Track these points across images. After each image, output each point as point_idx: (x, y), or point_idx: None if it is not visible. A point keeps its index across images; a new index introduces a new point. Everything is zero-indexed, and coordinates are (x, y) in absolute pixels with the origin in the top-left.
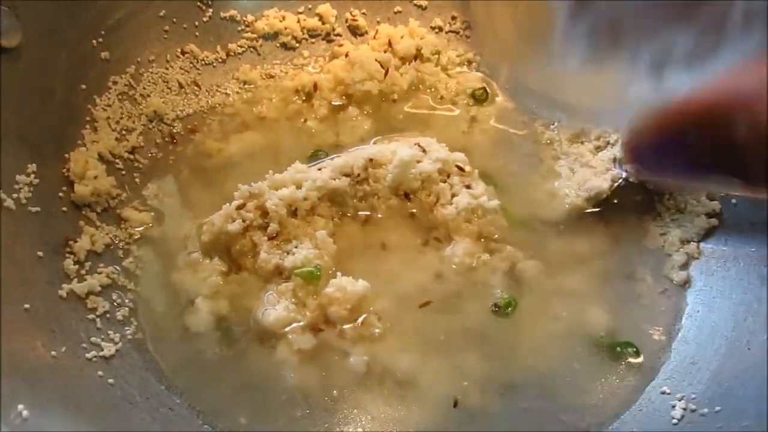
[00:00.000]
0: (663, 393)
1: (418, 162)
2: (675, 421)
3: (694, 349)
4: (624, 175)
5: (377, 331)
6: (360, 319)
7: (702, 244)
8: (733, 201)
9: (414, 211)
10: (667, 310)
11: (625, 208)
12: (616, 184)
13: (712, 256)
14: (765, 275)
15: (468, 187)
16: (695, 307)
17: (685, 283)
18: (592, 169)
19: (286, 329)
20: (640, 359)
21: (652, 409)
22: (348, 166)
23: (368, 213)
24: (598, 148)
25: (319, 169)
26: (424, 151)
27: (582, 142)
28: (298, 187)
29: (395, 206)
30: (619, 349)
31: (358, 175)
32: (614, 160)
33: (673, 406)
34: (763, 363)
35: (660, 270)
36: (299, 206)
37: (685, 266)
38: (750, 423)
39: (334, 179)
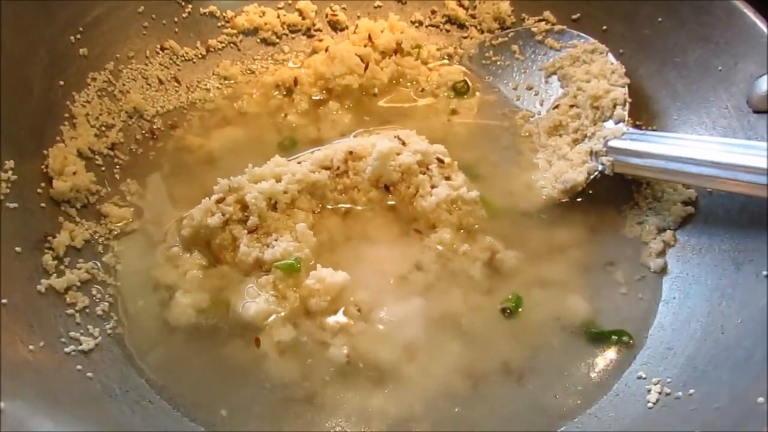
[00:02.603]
0: (639, 378)
1: (398, 154)
2: (650, 404)
3: (670, 334)
4: (600, 168)
5: (357, 322)
6: (340, 311)
7: (678, 232)
8: (708, 189)
9: (394, 203)
10: (644, 297)
11: (602, 198)
12: (591, 177)
13: (688, 243)
14: (739, 261)
15: (447, 178)
16: (671, 293)
17: (662, 271)
18: (569, 162)
19: (267, 321)
20: (632, 343)
21: (629, 393)
22: (328, 159)
23: (348, 205)
24: (576, 141)
25: (299, 163)
26: (403, 143)
27: (560, 135)
28: (278, 180)
29: (375, 198)
30: (615, 337)
31: (338, 168)
32: (591, 153)
33: (649, 390)
34: (737, 346)
35: (637, 258)
36: (279, 199)
37: (661, 254)
38: (722, 405)
39: (314, 172)
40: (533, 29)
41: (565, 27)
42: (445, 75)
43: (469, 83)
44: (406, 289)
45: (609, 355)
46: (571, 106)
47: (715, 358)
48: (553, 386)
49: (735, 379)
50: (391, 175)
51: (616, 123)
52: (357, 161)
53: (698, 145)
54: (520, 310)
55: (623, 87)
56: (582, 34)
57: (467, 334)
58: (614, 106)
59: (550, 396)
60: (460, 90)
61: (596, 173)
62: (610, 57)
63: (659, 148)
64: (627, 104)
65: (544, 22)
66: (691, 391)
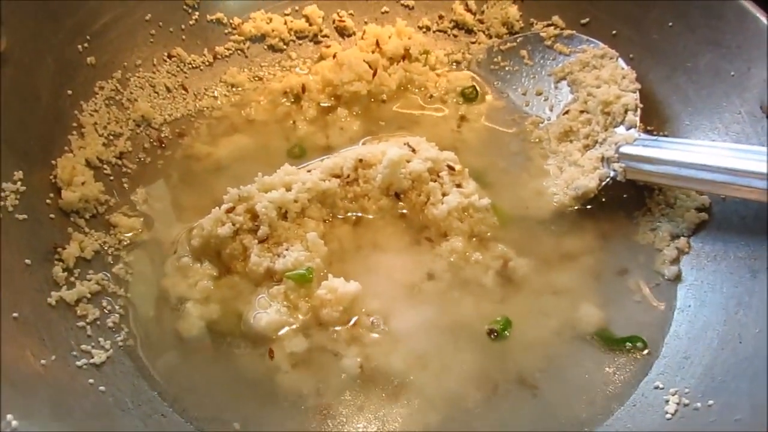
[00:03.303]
0: (656, 388)
1: (408, 162)
2: (668, 415)
3: (686, 343)
4: (612, 174)
5: (370, 332)
6: (352, 321)
7: (692, 239)
8: (722, 196)
9: (405, 211)
10: (658, 306)
11: (614, 205)
12: (603, 183)
13: (702, 250)
14: (755, 268)
15: (459, 186)
16: (686, 301)
17: (676, 278)
18: (580, 168)
19: (279, 333)
20: (647, 351)
21: (646, 404)
22: (338, 167)
23: (359, 214)
24: (587, 147)
25: (309, 171)
26: (413, 150)
27: (571, 141)
28: (288, 189)
29: (386, 206)
30: (629, 344)
31: (348, 176)
32: (602, 159)
33: (667, 401)
34: (755, 356)
35: (651, 265)
36: (289, 208)
37: (675, 261)
38: (742, 416)
39: (324, 181)
40: (542, 34)
41: (574, 32)
42: (453, 81)
43: (478, 89)
44: (419, 298)
45: (625, 364)
46: (582, 112)
47: (733, 368)
48: (569, 397)
49: (754, 390)
50: (401, 182)
51: (628, 129)
52: (367, 169)
53: (711, 151)
54: (506, 333)
55: (634, 92)
56: (591, 38)
57: (480, 344)
58: (625, 112)
59: (565, 407)
60: (468, 96)
61: (608, 179)
62: (621, 62)
63: (671, 154)
64: (638, 109)
65: (552, 27)
66: (710, 402)
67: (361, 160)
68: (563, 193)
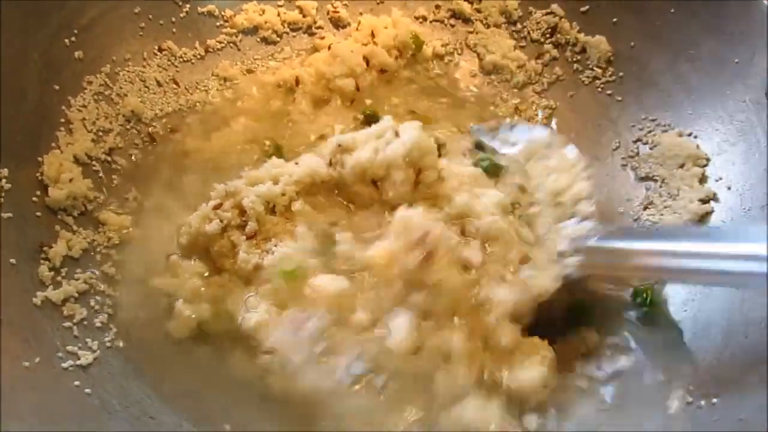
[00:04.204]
0: (659, 384)
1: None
2: (671, 412)
3: (690, 339)
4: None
5: (362, 331)
6: (344, 319)
7: None
8: (728, 186)
9: None
10: (659, 302)
11: (614, 198)
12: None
13: None
14: None
15: None
16: (690, 296)
17: None
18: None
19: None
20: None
21: (648, 401)
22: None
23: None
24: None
25: (296, 164)
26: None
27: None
28: (275, 182)
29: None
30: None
31: (330, 161)
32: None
33: (669, 398)
34: (761, 352)
35: None
36: (277, 202)
37: None
38: (747, 415)
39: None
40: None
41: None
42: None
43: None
44: (415, 292)
45: (627, 360)
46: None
47: (738, 364)
48: None
49: (760, 388)
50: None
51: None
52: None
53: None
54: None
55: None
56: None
57: (479, 340)
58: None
59: None
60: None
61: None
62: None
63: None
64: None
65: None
66: (714, 400)
67: (339, 145)
68: None
